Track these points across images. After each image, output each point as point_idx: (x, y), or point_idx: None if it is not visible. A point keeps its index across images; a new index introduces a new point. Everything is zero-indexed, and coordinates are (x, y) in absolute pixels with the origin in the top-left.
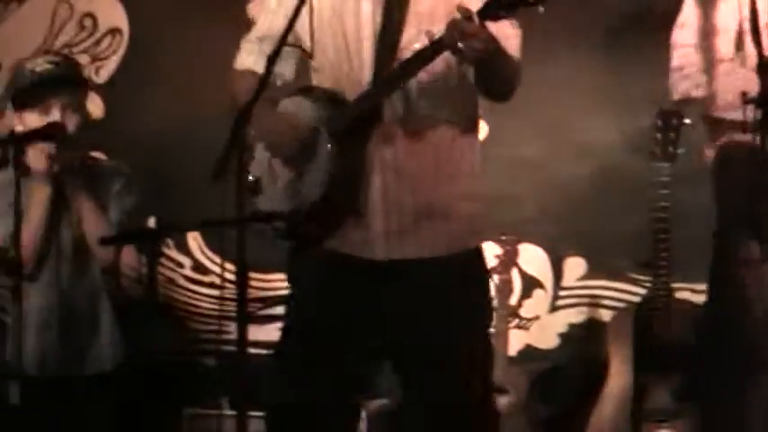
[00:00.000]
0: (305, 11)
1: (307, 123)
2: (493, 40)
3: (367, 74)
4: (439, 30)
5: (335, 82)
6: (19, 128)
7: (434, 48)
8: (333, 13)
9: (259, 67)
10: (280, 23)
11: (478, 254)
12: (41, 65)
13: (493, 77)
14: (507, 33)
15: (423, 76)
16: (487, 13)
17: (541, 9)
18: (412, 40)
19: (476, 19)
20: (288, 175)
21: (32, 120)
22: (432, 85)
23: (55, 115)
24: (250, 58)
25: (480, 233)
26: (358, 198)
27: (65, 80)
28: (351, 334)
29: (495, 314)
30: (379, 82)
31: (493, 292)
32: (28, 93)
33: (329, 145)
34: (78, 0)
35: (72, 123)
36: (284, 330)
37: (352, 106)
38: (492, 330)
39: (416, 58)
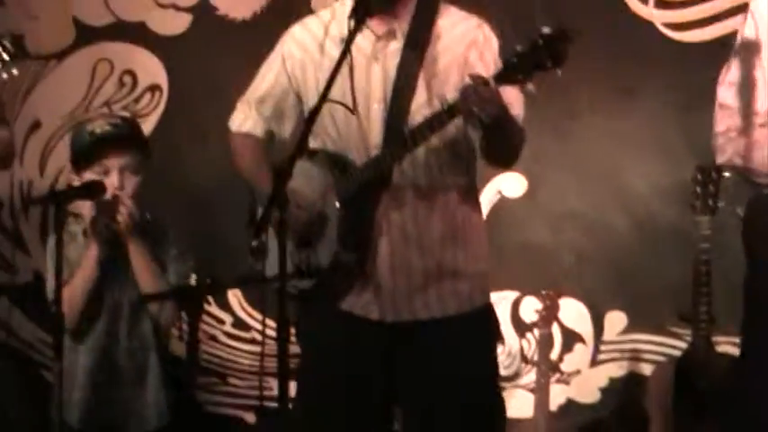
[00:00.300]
0: (326, 68)
1: (313, 198)
2: (504, 106)
3: (376, 137)
4: (451, 94)
5: (341, 144)
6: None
7: (449, 112)
8: (343, 73)
9: (258, 130)
10: (283, 82)
11: (488, 311)
12: (101, 125)
13: (501, 143)
14: (512, 99)
15: (433, 140)
16: (504, 77)
17: (559, 73)
18: (422, 105)
19: (492, 84)
20: (295, 240)
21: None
22: (441, 150)
23: (113, 177)
24: (248, 121)
25: (487, 291)
26: (367, 260)
27: (124, 141)
28: (361, 395)
29: (535, 369)
30: (390, 148)
31: (533, 346)
32: (86, 153)
33: (338, 210)
34: (118, 57)
35: (131, 184)
36: (297, 390)
37: (362, 170)
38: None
39: (430, 122)
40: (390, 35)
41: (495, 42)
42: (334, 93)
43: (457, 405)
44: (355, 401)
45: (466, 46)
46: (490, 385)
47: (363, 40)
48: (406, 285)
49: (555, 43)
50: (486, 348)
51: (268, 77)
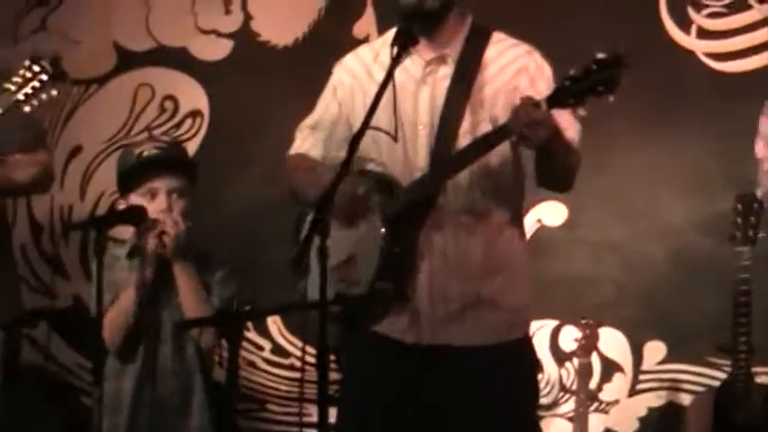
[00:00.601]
0: (369, 94)
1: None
2: (557, 129)
3: (422, 161)
4: (499, 121)
5: (388, 166)
6: None
7: (499, 134)
8: (390, 97)
9: (315, 151)
10: (334, 110)
11: (526, 342)
12: (148, 149)
13: (554, 166)
14: (568, 123)
15: (478, 165)
16: (555, 101)
17: (611, 98)
18: (468, 132)
19: (543, 106)
20: (337, 259)
21: (139, 202)
22: (486, 176)
23: (161, 199)
24: (306, 143)
25: (527, 323)
26: (407, 283)
27: (171, 163)
28: (397, 420)
29: (574, 398)
30: (437, 168)
31: (572, 375)
32: (134, 176)
33: (383, 230)
34: (159, 82)
35: (178, 207)
36: (338, 413)
37: (407, 191)
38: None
39: (478, 143)
40: (440, 60)
41: (547, 69)
42: (380, 118)
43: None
44: (391, 426)
45: (514, 73)
46: (524, 416)
47: (412, 65)
48: (444, 311)
49: (608, 69)
50: (520, 379)
51: (321, 105)
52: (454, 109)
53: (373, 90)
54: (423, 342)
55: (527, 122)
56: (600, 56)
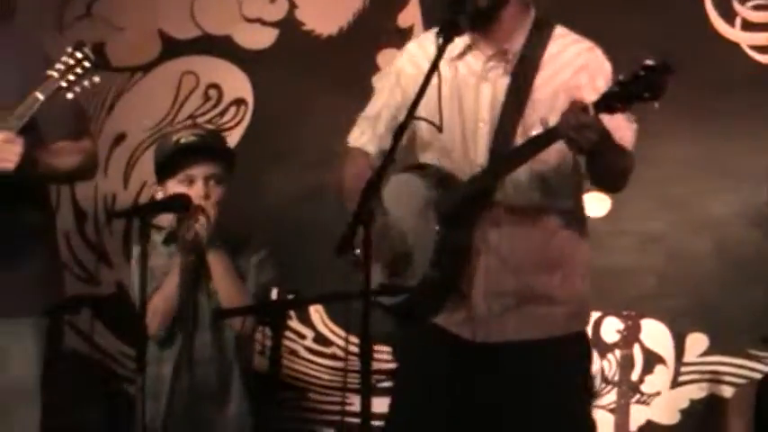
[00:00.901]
0: (434, 91)
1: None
2: (606, 132)
3: (481, 157)
4: (555, 118)
5: (447, 160)
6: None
7: (548, 136)
8: (452, 91)
9: (371, 147)
10: (397, 97)
11: (582, 336)
12: (186, 135)
13: (604, 168)
14: (621, 125)
15: (535, 163)
16: (602, 105)
17: (656, 105)
18: (528, 128)
19: (591, 110)
20: (394, 252)
21: (176, 189)
22: (545, 172)
23: (198, 186)
24: (363, 137)
25: (583, 318)
26: (462, 278)
27: (209, 150)
28: (450, 412)
29: (616, 389)
30: (492, 166)
31: (614, 367)
32: (172, 162)
33: (437, 226)
34: (204, 71)
35: (216, 195)
36: (391, 403)
37: (463, 188)
38: (612, 407)
39: (530, 144)
40: (501, 56)
41: (607, 66)
42: (440, 110)
43: (543, 425)
44: (444, 420)
45: (575, 71)
46: (578, 412)
47: (474, 60)
48: (499, 307)
49: (655, 75)
50: (576, 374)
51: (383, 94)
52: (514, 106)
53: (435, 81)
54: (477, 338)
55: (575, 126)
56: (648, 62)
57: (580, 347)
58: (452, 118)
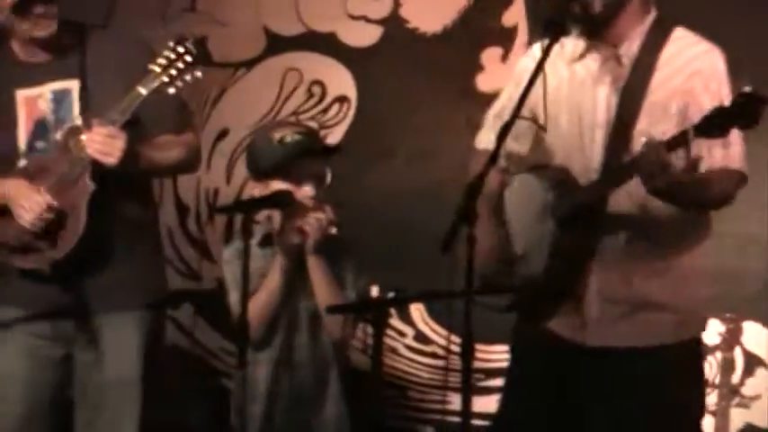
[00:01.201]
0: (539, 84)
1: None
2: (674, 177)
3: (597, 160)
4: (667, 125)
5: (566, 161)
6: (257, 195)
7: (621, 173)
8: (570, 93)
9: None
10: (515, 100)
11: (696, 345)
12: (290, 134)
13: (680, 203)
14: (730, 140)
15: None
16: (701, 130)
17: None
18: (643, 133)
19: (691, 134)
20: (509, 254)
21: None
22: None
23: (306, 187)
24: (487, 136)
25: (698, 325)
26: (577, 283)
27: (316, 149)
28: (555, 414)
29: (716, 392)
30: (608, 174)
31: (715, 369)
32: (280, 162)
33: (553, 229)
34: (308, 67)
35: (321, 193)
36: (500, 402)
37: (579, 194)
38: (713, 409)
39: (622, 167)
40: (616, 59)
41: (720, 69)
42: (560, 108)
43: None
44: (550, 423)
45: (688, 76)
46: (690, 421)
47: (592, 62)
48: (612, 312)
49: (753, 104)
50: (688, 382)
51: (506, 93)
52: (629, 110)
53: (554, 83)
54: (588, 342)
55: (645, 170)
56: (746, 89)
57: (693, 356)
58: (571, 120)
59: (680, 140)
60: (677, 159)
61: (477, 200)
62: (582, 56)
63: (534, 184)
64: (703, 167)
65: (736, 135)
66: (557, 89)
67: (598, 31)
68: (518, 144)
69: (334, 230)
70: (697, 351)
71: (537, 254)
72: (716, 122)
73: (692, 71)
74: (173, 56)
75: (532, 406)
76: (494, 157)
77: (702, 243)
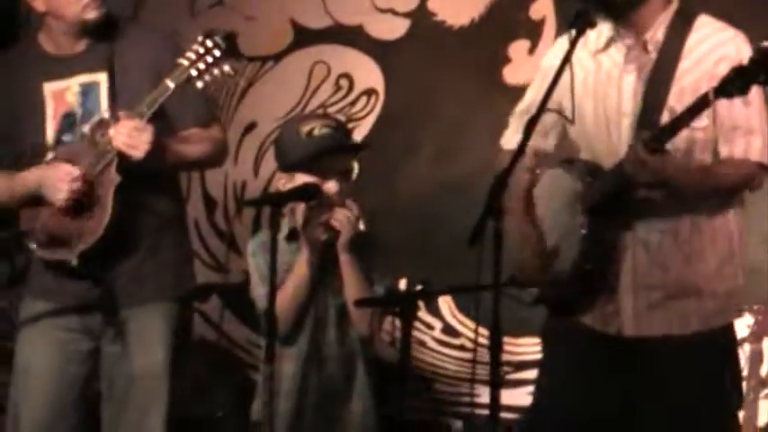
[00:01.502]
0: (566, 77)
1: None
2: (665, 177)
3: (623, 150)
4: None
5: (592, 152)
6: (284, 188)
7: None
8: (596, 84)
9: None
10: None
11: (730, 329)
12: (318, 127)
13: (680, 193)
14: (752, 130)
15: (682, 153)
16: (721, 91)
17: None
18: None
19: (711, 96)
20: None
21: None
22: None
23: (333, 182)
24: (515, 137)
25: (733, 310)
26: (610, 273)
27: (344, 143)
28: (594, 408)
29: (744, 384)
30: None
31: (743, 362)
32: (308, 156)
33: (582, 221)
34: (335, 60)
35: (346, 188)
36: (534, 396)
37: (607, 182)
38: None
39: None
40: (641, 47)
41: (747, 54)
42: (585, 99)
43: (690, 425)
44: (585, 416)
45: (715, 62)
46: (727, 407)
47: (616, 52)
48: (647, 301)
49: None
50: (724, 367)
51: (532, 89)
52: (656, 98)
53: (580, 76)
54: (623, 333)
55: (634, 164)
56: (765, 44)
57: (728, 341)
58: (597, 111)
59: (701, 105)
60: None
61: (504, 194)
62: (606, 46)
63: (563, 178)
64: (723, 155)
65: (759, 126)
66: (582, 82)
67: (624, 18)
68: (545, 141)
69: (362, 227)
70: (732, 337)
71: (568, 247)
72: (736, 82)
73: (719, 57)
74: (201, 50)
75: (568, 400)
76: (521, 148)
77: (738, 225)
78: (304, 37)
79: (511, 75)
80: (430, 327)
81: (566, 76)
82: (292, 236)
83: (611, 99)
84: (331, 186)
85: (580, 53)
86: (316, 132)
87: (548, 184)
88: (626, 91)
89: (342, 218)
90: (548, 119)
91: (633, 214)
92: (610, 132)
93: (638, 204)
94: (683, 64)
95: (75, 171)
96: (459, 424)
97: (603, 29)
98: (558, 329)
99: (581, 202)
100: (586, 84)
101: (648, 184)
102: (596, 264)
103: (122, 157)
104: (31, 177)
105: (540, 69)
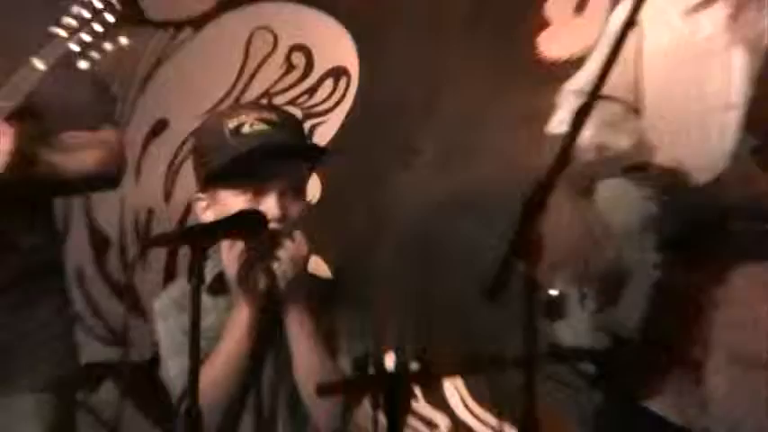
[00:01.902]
0: (630, 55)
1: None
2: None
3: (725, 157)
4: None
5: (674, 157)
6: (206, 216)
7: None
8: (687, 57)
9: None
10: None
11: None
12: (251, 124)
13: None
14: None
15: None
16: None
17: None
18: None
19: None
20: (598, 299)
21: (235, 205)
22: None
23: (269, 201)
24: (563, 125)
25: None
26: (688, 338)
27: (287, 146)
28: None
29: None
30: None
31: None
32: (232, 163)
33: (654, 259)
34: (284, 26)
35: (294, 212)
36: None
37: (692, 204)
38: None
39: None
40: (757, 5)
41: None
42: (662, 84)
43: None
44: None
45: None
46: None
47: (720, 12)
48: (749, 383)
49: None
50: None
51: (593, 61)
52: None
53: (663, 41)
54: (712, 428)
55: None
56: None
57: None
58: (687, 98)
59: None
60: None
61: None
62: (707, 2)
63: (629, 193)
64: None
65: None
66: (664, 53)
67: None
68: (615, 135)
69: (326, 272)
70: None
71: (632, 295)
72: None
73: None
74: (86, 14)
75: None
76: (569, 144)
77: None
78: None
79: (549, 44)
80: (432, 425)
81: (633, 45)
82: (219, 287)
83: (712, 81)
84: (270, 207)
85: (667, 11)
86: (246, 129)
87: (605, 200)
88: (735, 72)
89: (284, 256)
90: (615, 108)
91: (732, 257)
92: (706, 129)
93: (741, 241)
94: None
95: None
96: None
97: None
98: (615, 422)
99: (653, 231)
100: (670, 57)
101: (758, 212)
102: (670, 324)
103: None
104: None
105: (606, 31)
